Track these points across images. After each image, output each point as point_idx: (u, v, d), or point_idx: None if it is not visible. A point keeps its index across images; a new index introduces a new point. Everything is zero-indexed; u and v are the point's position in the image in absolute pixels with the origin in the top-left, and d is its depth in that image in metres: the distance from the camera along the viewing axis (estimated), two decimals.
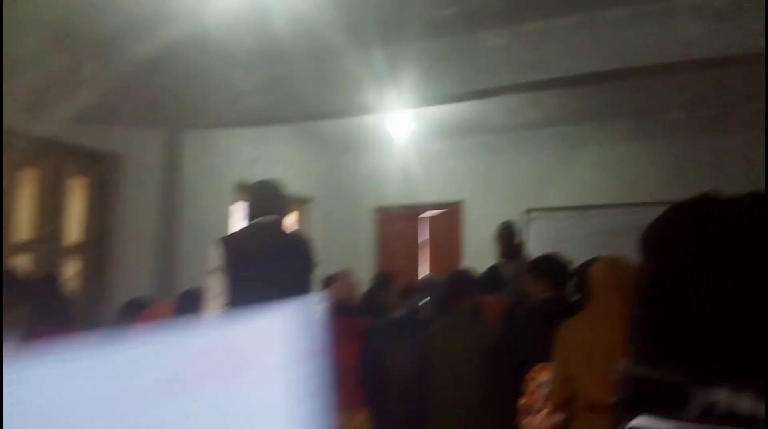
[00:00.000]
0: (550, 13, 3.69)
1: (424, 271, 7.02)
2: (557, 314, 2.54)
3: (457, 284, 2.83)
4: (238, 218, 5.58)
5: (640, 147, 6.09)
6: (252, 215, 2.88)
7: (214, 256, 2.68)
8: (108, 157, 4.33)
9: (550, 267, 3.18)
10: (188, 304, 3.58)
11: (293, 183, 4.93)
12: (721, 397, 0.57)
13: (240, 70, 4.51)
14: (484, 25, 3.84)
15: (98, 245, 4.24)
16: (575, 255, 3.48)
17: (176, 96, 4.76)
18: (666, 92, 5.25)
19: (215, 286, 2.63)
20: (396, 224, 7.32)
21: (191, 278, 4.46)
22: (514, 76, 3.87)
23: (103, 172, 4.32)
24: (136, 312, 3.83)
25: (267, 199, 2.87)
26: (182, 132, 4.77)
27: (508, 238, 4.60)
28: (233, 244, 2.77)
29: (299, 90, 4.43)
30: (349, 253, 6.42)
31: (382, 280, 4.48)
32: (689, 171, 5.85)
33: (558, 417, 2.48)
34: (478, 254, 5.66)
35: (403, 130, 6.27)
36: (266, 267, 2.70)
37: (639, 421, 0.63)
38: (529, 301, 3.29)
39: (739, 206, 0.65)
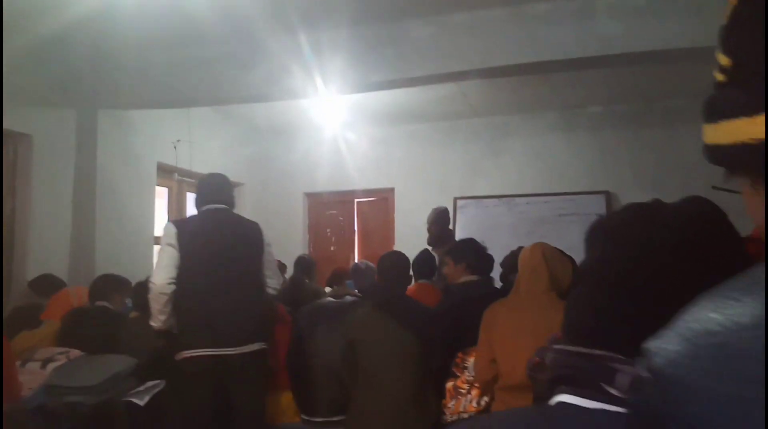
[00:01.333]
0: (475, 5, 3.75)
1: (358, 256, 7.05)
2: (481, 297, 2.58)
3: (386, 267, 2.84)
4: (159, 201, 5.37)
5: (563, 138, 6.32)
6: (200, 203, 3.04)
7: (166, 234, 2.87)
8: (15, 137, 4.05)
9: (468, 252, 3.24)
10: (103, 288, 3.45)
11: (220, 168, 4.78)
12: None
13: (157, 49, 4.32)
14: (412, 15, 3.86)
15: (5, 230, 3.98)
16: (503, 242, 3.58)
17: (89, 75, 4.50)
18: (587, 87, 5.47)
19: (164, 260, 2.82)
20: (327, 210, 7.29)
21: (107, 262, 4.28)
22: (440, 65, 3.91)
23: (9, 153, 4.04)
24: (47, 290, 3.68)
25: (215, 188, 3.04)
26: (96, 112, 4.51)
27: (439, 224, 4.66)
28: (185, 226, 2.95)
29: (221, 72, 4.30)
30: (281, 239, 6.32)
31: (305, 265, 4.45)
32: (609, 162, 6.14)
33: (485, 399, 2.53)
34: (408, 240, 5.73)
35: (334, 117, 6.23)
36: (219, 248, 2.85)
37: (563, 396, 0.67)
38: (450, 284, 3.34)
39: (681, 209, 0.71)
